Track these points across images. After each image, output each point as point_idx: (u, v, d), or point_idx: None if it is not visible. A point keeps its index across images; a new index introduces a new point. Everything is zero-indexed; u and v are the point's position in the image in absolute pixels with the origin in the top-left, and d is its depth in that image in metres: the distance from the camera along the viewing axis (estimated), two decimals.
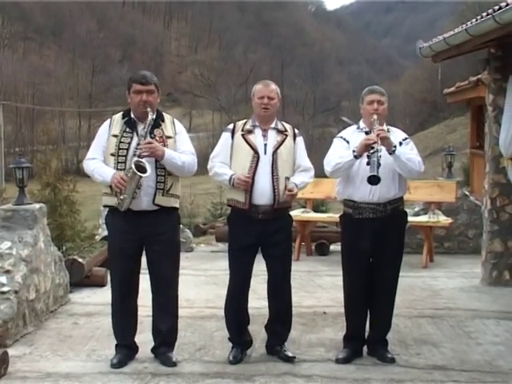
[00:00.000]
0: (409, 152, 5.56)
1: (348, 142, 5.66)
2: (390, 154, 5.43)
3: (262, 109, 5.60)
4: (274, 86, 5.69)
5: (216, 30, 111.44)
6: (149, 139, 5.32)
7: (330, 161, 5.59)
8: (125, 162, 5.34)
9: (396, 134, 5.69)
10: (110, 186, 5.34)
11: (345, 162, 5.51)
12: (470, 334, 6.47)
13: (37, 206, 7.11)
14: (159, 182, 5.38)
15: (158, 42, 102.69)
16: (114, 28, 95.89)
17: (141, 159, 5.23)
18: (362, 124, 5.77)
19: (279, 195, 5.48)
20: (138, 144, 5.31)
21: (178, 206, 5.64)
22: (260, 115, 5.64)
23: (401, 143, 5.59)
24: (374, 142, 5.33)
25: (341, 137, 5.78)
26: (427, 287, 8.47)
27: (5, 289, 6.23)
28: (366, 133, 5.60)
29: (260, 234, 5.52)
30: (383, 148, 5.40)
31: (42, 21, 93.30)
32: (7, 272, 6.38)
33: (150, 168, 5.22)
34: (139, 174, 5.18)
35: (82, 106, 73.85)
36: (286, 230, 5.73)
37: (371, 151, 5.35)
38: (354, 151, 5.49)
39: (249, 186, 5.46)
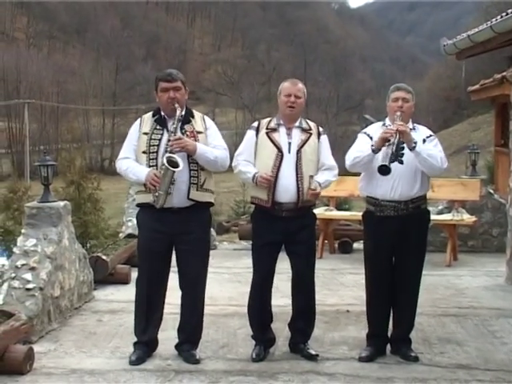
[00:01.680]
0: (431, 148, 5.52)
1: (371, 138, 5.63)
2: (411, 150, 5.40)
3: (288, 107, 5.57)
4: (301, 85, 5.67)
5: (239, 28, 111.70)
6: (179, 135, 5.35)
7: (350, 155, 5.59)
8: (156, 159, 5.36)
9: (421, 132, 5.66)
10: (145, 185, 5.37)
11: (363, 156, 5.49)
12: (494, 333, 6.41)
13: (61, 203, 7.14)
14: (193, 177, 5.40)
15: (182, 40, 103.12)
16: (137, 26, 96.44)
17: (172, 155, 5.26)
18: (387, 121, 5.72)
19: (303, 194, 5.47)
20: (169, 140, 5.34)
21: (212, 201, 5.63)
22: (285, 113, 5.62)
23: (424, 140, 5.55)
24: (391, 135, 5.32)
25: (365, 132, 5.77)
26: (451, 286, 8.41)
27: (30, 286, 6.28)
28: None
29: (284, 231, 5.51)
30: (405, 147, 5.38)
31: (67, 20, 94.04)
32: (32, 269, 6.42)
33: (182, 162, 5.25)
34: (172, 168, 5.20)
35: (105, 104, 74.29)
36: (309, 227, 5.72)
37: (387, 143, 5.33)
38: (372, 145, 5.48)
39: (271, 185, 5.46)
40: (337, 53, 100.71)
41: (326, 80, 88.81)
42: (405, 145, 5.38)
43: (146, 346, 5.66)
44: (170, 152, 5.27)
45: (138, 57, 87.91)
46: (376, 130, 5.73)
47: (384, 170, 5.22)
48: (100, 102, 75.01)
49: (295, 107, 5.56)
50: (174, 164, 5.22)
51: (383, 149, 5.39)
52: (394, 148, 5.27)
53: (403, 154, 5.37)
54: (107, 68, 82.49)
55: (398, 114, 5.51)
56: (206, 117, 5.73)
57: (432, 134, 5.73)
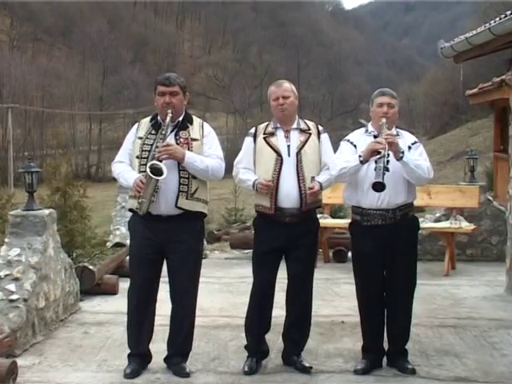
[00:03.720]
0: (417, 158, 5.53)
1: (355, 145, 5.64)
2: (398, 160, 5.40)
3: (279, 110, 5.62)
4: (287, 85, 5.70)
5: (230, 30, 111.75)
6: (167, 141, 5.36)
7: (336, 165, 5.57)
8: (146, 165, 5.37)
9: (405, 138, 5.66)
10: None
11: (350, 167, 5.48)
12: (494, 344, 6.42)
13: (46, 211, 7.13)
14: (182, 185, 5.40)
15: (171, 42, 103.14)
16: (125, 28, 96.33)
17: (157, 162, 5.26)
18: (370, 127, 5.74)
19: (306, 197, 5.49)
20: (156, 147, 5.34)
21: (205, 211, 5.63)
22: (279, 116, 5.66)
23: (410, 147, 5.56)
24: (382, 148, 5.31)
25: (348, 140, 5.76)
26: (449, 296, 8.42)
27: (14, 297, 6.26)
28: (375, 136, 5.56)
29: (286, 237, 5.53)
30: (391, 153, 5.38)
31: (52, 21, 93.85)
32: (16, 279, 6.41)
33: (166, 170, 5.25)
34: (153, 176, 5.21)
35: (92, 109, 74.18)
36: (312, 232, 5.75)
37: (378, 156, 5.31)
38: (360, 156, 5.47)
39: (271, 190, 5.47)
40: (331, 56, 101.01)
41: (320, 83, 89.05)
42: (391, 152, 5.37)
43: (140, 358, 5.65)
44: (157, 159, 5.28)
45: (125, 60, 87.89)
46: (359, 136, 5.75)
47: (378, 187, 5.21)
48: (86, 106, 74.91)
49: (286, 108, 5.60)
50: (159, 171, 5.22)
51: (372, 161, 5.40)
52: (388, 160, 5.28)
53: (389, 160, 5.36)
54: (94, 71, 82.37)
55: (384, 120, 5.51)
56: (205, 124, 5.72)
57: (416, 140, 5.74)
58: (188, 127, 5.54)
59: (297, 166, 5.53)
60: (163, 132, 5.40)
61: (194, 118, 5.67)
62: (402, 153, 5.41)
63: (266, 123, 5.80)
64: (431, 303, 7.90)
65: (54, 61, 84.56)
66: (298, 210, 5.52)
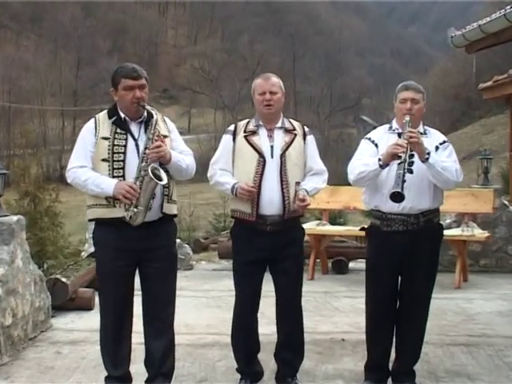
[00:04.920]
0: (445, 159, 5.50)
1: (377, 145, 5.63)
2: (423, 161, 5.39)
3: (265, 106, 5.59)
4: (275, 79, 5.68)
5: (218, 17, 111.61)
6: (158, 142, 5.31)
7: (354, 168, 5.57)
8: (123, 169, 5.31)
9: (433, 137, 5.65)
10: (106, 198, 5.29)
11: (369, 171, 5.47)
12: (510, 365, 6.43)
13: (14, 218, 7.12)
14: (165, 188, 5.37)
15: (153, 30, 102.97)
16: (101, 15, 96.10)
17: (157, 165, 5.23)
18: (394, 124, 5.72)
19: (289, 204, 5.48)
20: (145, 148, 5.29)
21: (176, 212, 5.64)
22: (263, 113, 5.64)
23: (437, 147, 5.55)
24: (402, 151, 5.29)
25: (369, 138, 5.75)
26: (461, 311, 8.45)
27: None
28: (399, 134, 5.55)
29: (268, 247, 5.52)
30: (415, 154, 5.37)
31: (20, 7, 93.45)
32: None
33: (164, 174, 5.24)
34: (158, 181, 5.16)
35: (65, 104, 73.97)
36: (297, 242, 5.74)
37: (399, 161, 5.30)
38: (379, 159, 5.46)
39: (254, 196, 5.47)
40: (330, 45, 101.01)
41: (318, 76, 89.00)
42: (415, 153, 5.37)
43: (118, 381, 5.58)
44: (146, 161, 5.24)
45: (102, 50, 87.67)
46: (382, 134, 5.73)
47: (397, 197, 5.18)
48: (59, 101, 74.74)
49: (273, 105, 5.58)
50: (157, 176, 5.19)
51: (394, 163, 5.37)
52: (406, 165, 5.27)
53: (413, 161, 5.37)
54: (67, 62, 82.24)
55: (407, 118, 5.48)
56: (166, 118, 5.70)
57: (446, 139, 5.71)
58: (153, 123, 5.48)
59: (280, 169, 5.52)
60: (152, 132, 5.36)
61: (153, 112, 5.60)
62: (428, 154, 5.38)
63: (246, 120, 5.78)
64: (441, 319, 7.92)
65: (21, 50, 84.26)
66: (281, 217, 5.51)
